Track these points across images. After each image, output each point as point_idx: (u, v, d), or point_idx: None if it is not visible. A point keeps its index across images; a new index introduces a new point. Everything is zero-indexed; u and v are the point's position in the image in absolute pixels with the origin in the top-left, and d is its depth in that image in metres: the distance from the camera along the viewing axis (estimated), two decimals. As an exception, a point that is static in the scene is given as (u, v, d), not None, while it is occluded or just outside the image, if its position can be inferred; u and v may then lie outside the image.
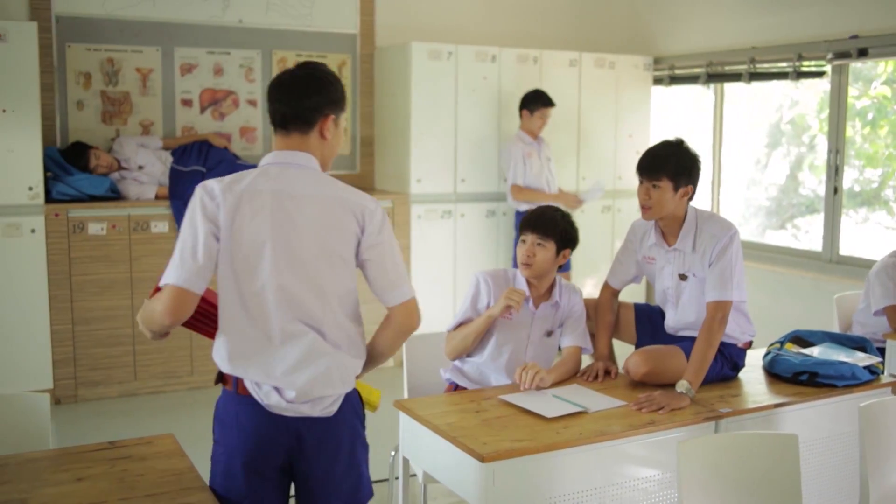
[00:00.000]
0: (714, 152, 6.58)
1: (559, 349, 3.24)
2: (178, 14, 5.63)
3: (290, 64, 5.98)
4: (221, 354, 2.22)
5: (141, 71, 5.58)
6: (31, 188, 4.81)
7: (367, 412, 2.42)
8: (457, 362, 3.23)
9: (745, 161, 6.62)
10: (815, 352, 3.29)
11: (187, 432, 4.61)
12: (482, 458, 2.44)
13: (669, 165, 3.06)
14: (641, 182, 3.11)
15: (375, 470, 3.98)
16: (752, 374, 3.28)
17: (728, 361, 3.16)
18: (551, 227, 3.10)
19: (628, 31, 7.04)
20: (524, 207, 5.87)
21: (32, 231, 4.83)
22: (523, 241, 3.12)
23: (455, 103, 5.97)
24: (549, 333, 3.18)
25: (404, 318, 2.28)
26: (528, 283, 3.16)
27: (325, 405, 2.21)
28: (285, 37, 5.98)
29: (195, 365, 5.35)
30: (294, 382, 2.16)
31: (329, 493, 2.26)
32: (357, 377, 2.32)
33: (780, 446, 2.38)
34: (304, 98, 2.22)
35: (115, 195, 5.18)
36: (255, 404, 2.20)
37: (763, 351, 3.43)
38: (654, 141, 6.69)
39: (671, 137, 3.19)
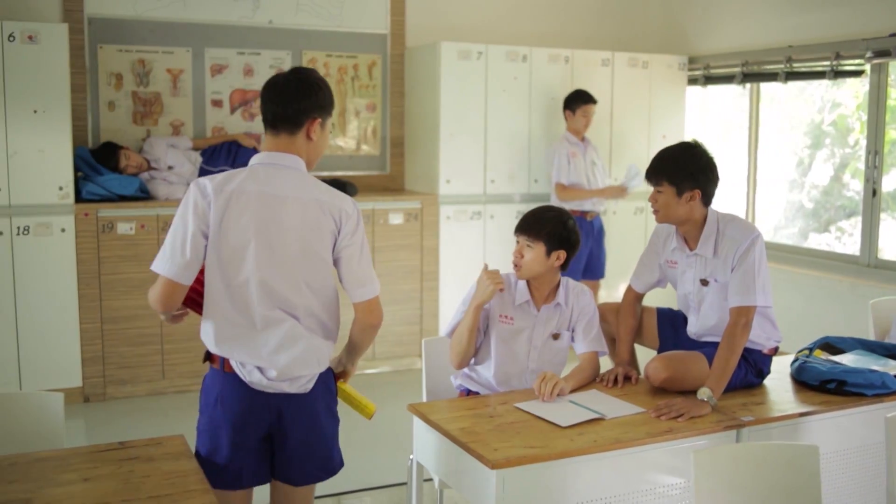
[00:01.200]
0: (750, 153, 6.44)
1: (574, 355, 3.17)
2: (208, 15, 5.66)
3: (321, 64, 6.03)
4: (209, 336, 2.44)
5: (172, 72, 5.62)
6: (61, 188, 4.86)
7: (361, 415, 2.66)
8: (465, 369, 3.18)
9: (786, 162, 6.47)
10: (845, 359, 3.19)
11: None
12: (492, 465, 2.39)
13: (669, 170, 2.99)
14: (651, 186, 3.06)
15: (394, 474, 4.00)
16: (779, 381, 3.19)
17: (752, 368, 3.07)
18: (538, 227, 3.00)
19: (662, 30, 6.93)
20: (567, 207, 5.80)
21: (62, 230, 4.88)
22: (517, 243, 3.06)
23: (485, 104, 5.92)
24: (556, 336, 3.09)
25: (365, 314, 2.48)
26: (529, 286, 3.09)
27: (302, 383, 2.43)
28: (315, 37, 5.99)
29: (222, 364, 5.36)
30: (276, 363, 2.37)
31: (304, 461, 2.48)
32: (348, 373, 2.62)
33: (801, 458, 2.30)
34: (293, 101, 2.39)
35: (144, 195, 5.21)
36: (240, 381, 2.42)
37: (791, 357, 3.33)
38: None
39: (688, 139, 3.12)
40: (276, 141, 2.42)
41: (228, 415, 2.43)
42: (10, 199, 4.76)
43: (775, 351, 3.19)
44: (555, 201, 5.81)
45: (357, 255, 2.41)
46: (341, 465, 2.60)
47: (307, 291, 2.38)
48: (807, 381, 3.10)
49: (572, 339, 3.13)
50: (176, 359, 5.25)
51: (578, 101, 5.76)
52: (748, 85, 6.33)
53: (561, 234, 3.02)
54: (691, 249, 3.11)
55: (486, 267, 3.02)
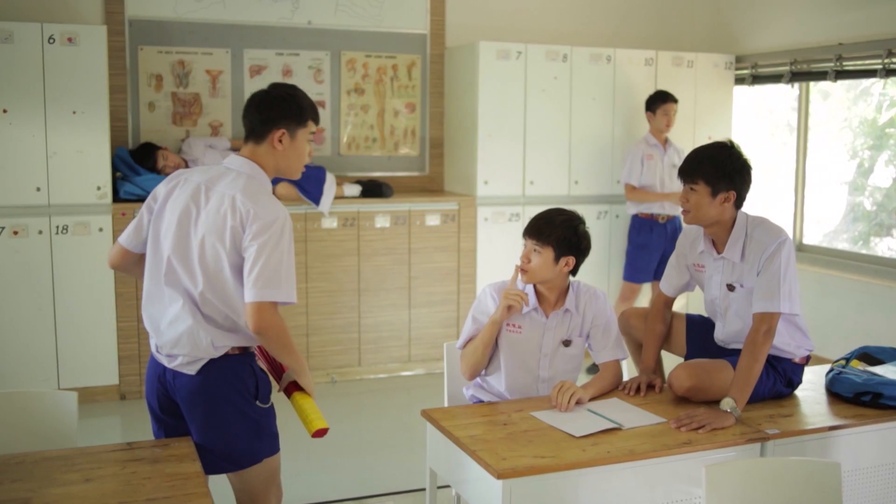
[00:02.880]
0: (798, 154, 6.24)
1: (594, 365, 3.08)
2: (247, 16, 5.68)
3: (360, 65, 6.02)
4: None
5: (211, 72, 5.66)
6: (99, 188, 4.92)
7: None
8: (477, 379, 3.11)
9: (840, 164, 6.23)
10: (883, 370, 3.04)
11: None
12: (498, 474, 2.33)
13: (706, 168, 2.88)
14: (683, 184, 2.94)
15: (417, 479, 3.95)
16: (811, 392, 3.06)
17: (782, 377, 2.95)
18: (547, 232, 2.91)
19: (708, 28, 6.76)
20: (634, 210, 5.80)
21: (100, 230, 4.94)
22: (524, 246, 2.98)
23: (524, 104, 5.84)
24: (567, 343, 3.00)
25: (248, 316, 2.45)
26: (537, 292, 3.01)
27: (180, 362, 2.53)
28: (354, 37, 5.97)
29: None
30: (161, 336, 2.56)
31: (206, 451, 2.54)
32: (300, 383, 2.60)
33: (821, 475, 2.18)
34: (257, 113, 2.58)
35: (181, 195, 5.24)
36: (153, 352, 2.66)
37: (828, 368, 3.19)
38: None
39: (724, 139, 3.01)
40: (243, 149, 2.62)
41: (147, 380, 2.69)
42: (49, 199, 4.84)
43: (807, 360, 3.05)
44: (628, 204, 5.83)
45: (255, 257, 2.42)
46: (252, 461, 2.60)
47: (201, 278, 2.48)
48: (840, 392, 2.96)
49: (589, 346, 3.04)
50: (211, 358, 5.27)
51: (658, 100, 5.73)
52: (796, 84, 6.12)
53: (571, 239, 2.92)
54: (719, 253, 2.99)
55: (515, 273, 2.94)
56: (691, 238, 3.14)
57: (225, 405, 2.54)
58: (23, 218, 4.80)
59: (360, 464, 4.31)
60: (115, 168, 5.13)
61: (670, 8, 6.75)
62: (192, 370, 2.53)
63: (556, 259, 2.91)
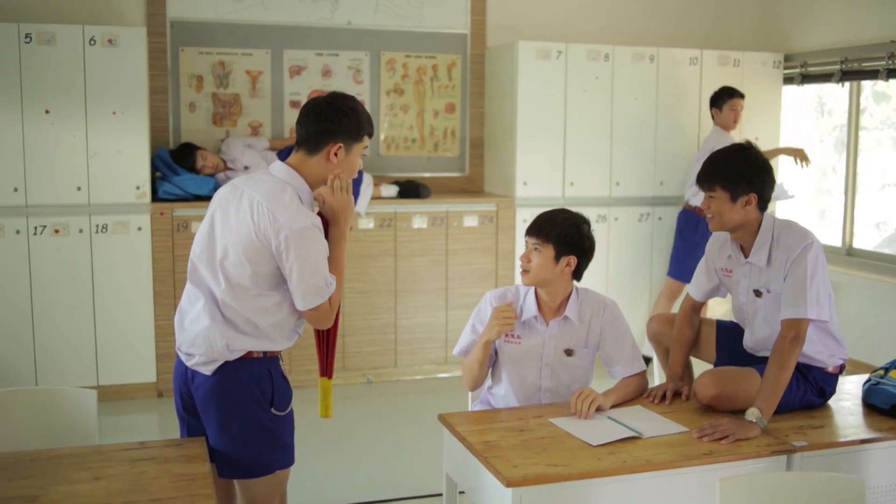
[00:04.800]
0: (849, 155, 6.04)
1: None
2: (287, 17, 5.70)
3: (399, 65, 6.00)
4: None
5: (251, 73, 5.69)
6: (138, 187, 4.98)
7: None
8: (484, 393, 3.06)
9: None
10: (923, 381, 2.91)
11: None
12: (507, 482, 2.27)
13: (722, 174, 2.79)
14: (702, 192, 2.86)
15: (430, 484, 3.90)
16: (846, 403, 2.94)
17: (812, 386, 2.84)
18: (548, 229, 2.82)
19: (755, 26, 6.58)
20: (695, 202, 5.50)
21: (139, 229, 5.00)
22: (526, 245, 2.90)
23: (564, 104, 5.76)
24: (570, 353, 2.89)
25: (308, 320, 2.55)
26: (539, 298, 2.93)
27: (196, 361, 2.52)
28: (394, 38, 5.95)
29: (293, 364, 5.39)
30: (185, 332, 2.56)
31: (219, 455, 2.54)
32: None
33: (843, 491, 2.08)
34: (315, 124, 2.52)
35: (219, 195, 5.28)
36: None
37: (865, 377, 3.06)
38: (783, 143, 6.27)
39: (742, 141, 2.91)
40: (294, 156, 2.57)
41: (174, 373, 2.69)
42: (89, 199, 4.91)
43: (841, 369, 2.93)
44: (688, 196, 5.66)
45: (291, 270, 2.44)
46: (264, 471, 2.57)
47: (223, 280, 2.47)
48: (876, 404, 2.84)
49: (604, 361, 2.96)
50: (247, 357, 5.31)
51: (724, 96, 5.61)
52: (847, 83, 5.92)
53: (573, 237, 2.83)
54: (745, 257, 2.90)
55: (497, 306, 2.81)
56: (720, 242, 3.05)
57: (238, 409, 2.51)
58: (63, 217, 4.88)
59: (388, 465, 4.28)
60: (154, 168, 5.19)
61: (716, 6, 6.59)
62: (208, 370, 2.51)
63: (557, 258, 2.82)
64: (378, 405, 5.19)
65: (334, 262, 2.53)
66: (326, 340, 2.72)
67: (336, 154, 2.51)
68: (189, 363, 2.54)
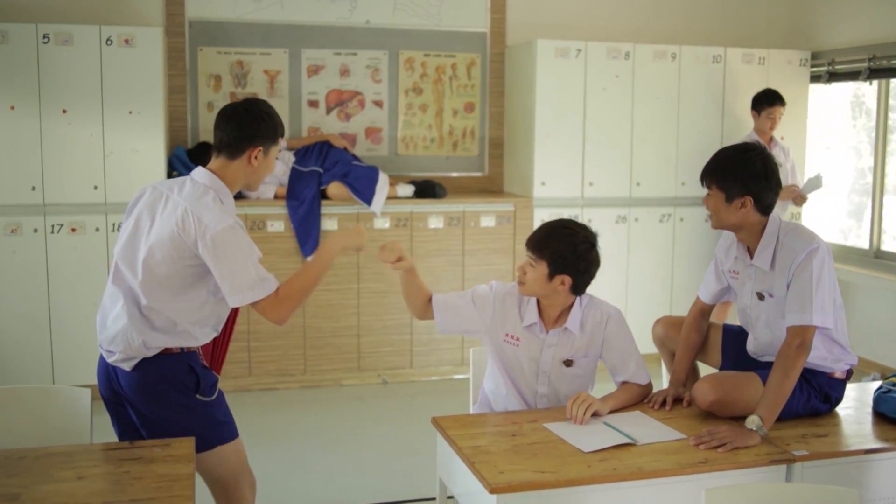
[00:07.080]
0: (876, 155, 5.89)
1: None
2: (305, 16, 5.70)
3: (418, 64, 5.97)
4: None
5: (269, 73, 5.70)
6: (153, 186, 5.00)
7: None
8: (481, 397, 3.01)
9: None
10: (936, 390, 2.80)
11: (295, 431, 4.67)
12: (491, 489, 2.22)
13: (718, 174, 2.72)
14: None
15: (425, 488, 3.85)
16: (855, 411, 2.84)
17: (817, 392, 2.75)
18: (542, 245, 2.72)
19: (781, 22, 6.45)
20: None
21: (155, 227, 5.02)
22: (526, 256, 2.83)
23: (583, 103, 5.69)
24: (569, 363, 2.82)
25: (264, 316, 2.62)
26: (539, 307, 2.84)
27: (115, 358, 2.62)
28: (413, 37, 5.92)
29: (308, 364, 5.39)
30: (105, 329, 2.65)
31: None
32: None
33: (836, 504, 2.01)
34: (237, 129, 2.62)
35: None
36: None
37: (877, 385, 2.96)
38: (809, 144, 6.14)
39: (752, 141, 2.84)
40: (214, 161, 2.68)
41: (97, 369, 2.76)
42: (106, 198, 4.95)
43: (848, 375, 2.84)
44: None
45: (217, 269, 2.53)
46: (204, 447, 2.64)
47: (143, 280, 2.56)
48: (886, 412, 2.74)
49: (611, 373, 2.90)
50: (262, 356, 5.32)
51: (763, 102, 5.56)
52: (875, 82, 5.77)
53: (566, 257, 2.70)
54: (751, 259, 2.82)
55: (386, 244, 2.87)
56: (728, 243, 2.97)
57: (163, 400, 2.63)
58: (80, 216, 4.93)
59: (394, 467, 4.25)
60: (172, 167, 5.22)
61: (740, 3, 6.47)
62: (128, 366, 2.62)
63: (551, 276, 2.72)
64: (392, 406, 5.16)
65: (310, 270, 2.69)
66: (222, 338, 2.84)
67: (256, 157, 2.65)
68: (110, 360, 2.65)
